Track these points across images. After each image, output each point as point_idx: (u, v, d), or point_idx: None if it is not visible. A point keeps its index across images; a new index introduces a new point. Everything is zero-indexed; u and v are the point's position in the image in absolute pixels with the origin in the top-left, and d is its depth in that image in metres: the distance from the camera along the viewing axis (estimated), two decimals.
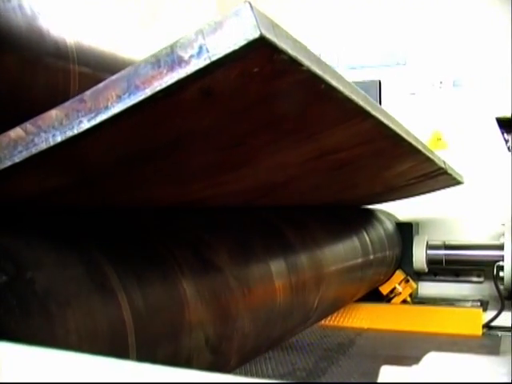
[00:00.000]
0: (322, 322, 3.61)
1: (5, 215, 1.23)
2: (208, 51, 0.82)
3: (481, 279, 4.36)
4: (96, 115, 0.89)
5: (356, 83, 1.19)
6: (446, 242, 4.19)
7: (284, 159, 1.47)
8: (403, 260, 4.20)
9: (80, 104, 0.91)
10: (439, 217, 4.45)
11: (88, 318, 1.18)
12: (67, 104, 0.93)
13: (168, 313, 1.42)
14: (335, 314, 3.91)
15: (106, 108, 0.89)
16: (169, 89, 0.85)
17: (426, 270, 4.21)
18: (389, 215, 4.21)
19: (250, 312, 1.80)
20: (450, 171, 2.49)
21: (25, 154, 0.94)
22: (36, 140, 0.94)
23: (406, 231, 4.25)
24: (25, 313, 1.05)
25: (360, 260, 3.12)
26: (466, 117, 4.39)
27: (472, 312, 3.92)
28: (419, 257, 4.17)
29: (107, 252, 1.33)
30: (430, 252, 4.19)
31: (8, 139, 0.96)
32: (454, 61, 4.51)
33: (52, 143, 0.92)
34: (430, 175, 2.45)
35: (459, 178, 2.89)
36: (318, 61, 0.96)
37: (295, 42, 0.88)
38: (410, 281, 4.16)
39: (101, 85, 0.90)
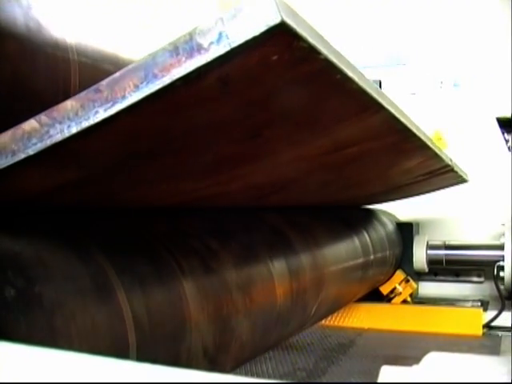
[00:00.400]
0: (323, 321, 3.61)
1: (12, 217, 1.23)
2: (228, 38, 0.81)
3: (481, 279, 4.36)
4: (113, 105, 0.88)
5: None
6: (447, 242, 4.19)
7: (298, 153, 1.46)
8: (403, 260, 4.19)
9: (96, 94, 0.90)
10: (439, 217, 4.45)
11: (89, 319, 1.18)
12: (82, 94, 0.92)
13: (168, 316, 1.42)
14: (335, 314, 3.90)
15: (123, 97, 0.87)
16: (187, 77, 0.84)
17: (427, 270, 4.20)
18: (389, 215, 4.21)
19: (249, 319, 1.80)
20: (456, 168, 2.49)
21: (39, 146, 0.93)
22: (51, 131, 0.92)
23: (406, 231, 4.24)
24: (31, 328, 1.05)
25: (360, 260, 3.12)
26: (466, 117, 4.39)
27: (472, 312, 3.92)
28: (419, 257, 4.16)
29: (110, 254, 1.33)
30: (430, 252, 4.18)
31: (22, 131, 0.95)
32: (455, 61, 4.51)
33: (67, 134, 0.91)
34: (437, 172, 2.45)
35: (465, 176, 2.89)
36: (334, 50, 0.95)
37: (312, 29, 0.87)
38: (411, 281, 4.16)
39: (117, 74, 0.89)
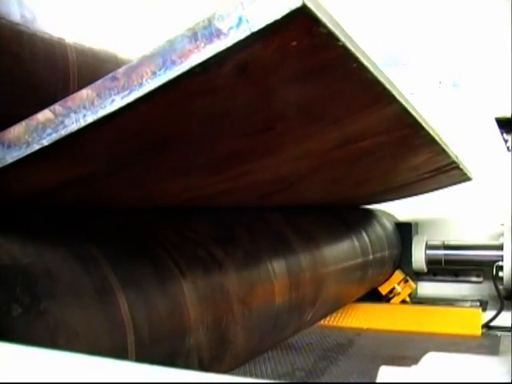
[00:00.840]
0: (322, 321, 3.60)
1: (18, 215, 1.22)
2: (248, 22, 0.80)
3: (480, 279, 4.35)
4: (130, 92, 0.87)
5: None
6: (446, 242, 4.19)
7: (309, 147, 1.45)
8: (402, 260, 4.19)
9: (112, 82, 0.89)
10: (438, 217, 4.45)
11: (89, 321, 1.18)
12: (98, 83, 0.90)
13: (167, 316, 1.42)
14: (334, 314, 3.89)
15: (141, 85, 0.86)
16: (206, 63, 0.83)
17: (426, 270, 4.20)
18: (388, 215, 4.21)
19: (247, 327, 1.81)
20: (461, 166, 2.48)
21: (54, 137, 0.92)
22: (66, 121, 0.91)
23: (405, 231, 4.24)
24: (29, 326, 1.05)
25: (359, 260, 3.12)
26: (465, 117, 4.39)
27: (471, 312, 3.93)
28: (418, 257, 4.16)
29: (114, 261, 1.33)
30: (429, 252, 4.18)
31: (36, 122, 0.94)
32: (454, 61, 4.52)
33: (83, 124, 0.90)
34: (443, 169, 2.44)
35: (469, 174, 2.88)
36: (351, 38, 0.94)
37: (331, 16, 0.86)
38: (409, 281, 4.15)
39: (134, 62, 0.87)
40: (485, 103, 4.40)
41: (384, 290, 4.12)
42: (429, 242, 4.21)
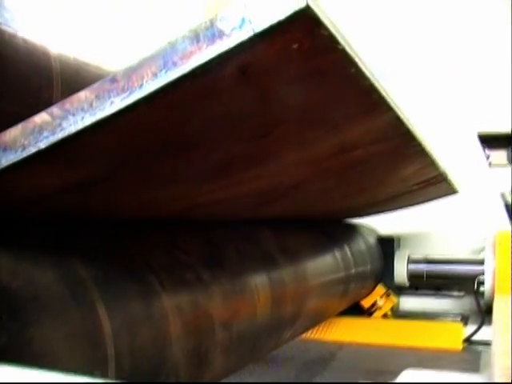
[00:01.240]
0: (304, 335, 3.59)
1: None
2: (251, 22, 0.80)
3: (461, 294, 4.36)
4: (129, 94, 0.86)
5: None
6: (427, 257, 4.20)
7: (304, 155, 1.45)
8: (384, 274, 4.19)
9: (112, 84, 0.87)
10: (420, 231, 4.46)
11: (74, 350, 1.17)
12: (97, 85, 0.89)
13: (149, 342, 1.41)
14: (316, 328, 3.88)
15: (141, 86, 0.85)
16: (208, 64, 0.82)
17: (408, 285, 4.21)
18: (370, 230, 4.21)
19: (227, 347, 1.79)
20: (449, 178, 2.49)
21: (51, 140, 0.90)
22: (64, 124, 0.90)
23: (387, 245, 4.25)
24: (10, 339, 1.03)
25: (342, 275, 3.12)
26: (448, 132, 4.41)
27: (453, 326, 3.94)
28: (400, 271, 4.17)
29: (99, 279, 1.31)
30: (411, 266, 4.19)
31: (33, 125, 0.92)
32: (439, 77, 4.55)
33: (81, 126, 0.88)
34: (432, 181, 2.45)
35: (456, 187, 2.89)
36: (350, 43, 0.94)
37: (331, 19, 0.86)
38: (391, 295, 4.16)
39: (134, 63, 0.87)
40: (468, 119, 4.43)
41: (366, 303, 4.13)
42: (411, 257, 4.22)
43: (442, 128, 4.38)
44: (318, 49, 0.88)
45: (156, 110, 0.91)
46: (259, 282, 2.04)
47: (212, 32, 0.82)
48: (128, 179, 1.21)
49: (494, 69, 4.74)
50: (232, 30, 0.81)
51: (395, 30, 4.72)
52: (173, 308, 1.51)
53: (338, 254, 3.12)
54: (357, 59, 0.97)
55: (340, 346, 3.83)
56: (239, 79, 0.89)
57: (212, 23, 0.83)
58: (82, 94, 0.90)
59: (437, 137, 4.15)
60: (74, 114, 0.89)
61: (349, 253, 3.32)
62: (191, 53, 0.83)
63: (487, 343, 3.60)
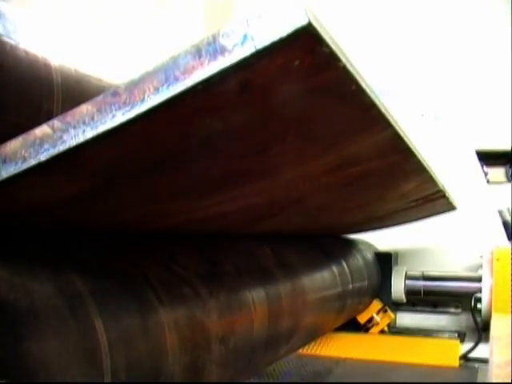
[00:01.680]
0: (300, 350, 3.58)
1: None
2: (253, 39, 0.80)
3: (458, 310, 4.36)
4: (131, 108, 0.86)
5: None
6: (425, 273, 4.20)
7: (302, 171, 1.45)
8: (382, 290, 4.18)
9: (114, 97, 0.88)
10: (418, 247, 4.46)
11: (69, 365, 1.16)
12: (99, 98, 0.89)
13: (145, 358, 1.40)
14: (313, 343, 3.88)
15: (143, 100, 0.85)
16: (210, 79, 0.82)
17: (405, 301, 4.20)
18: (368, 245, 4.21)
19: (222, 365, 1.79)
20: (447, 195, 2.50)
21: (52, 152, 0.90)
22: (65, 137, 0.89)
23: (384, 261, 4.24)
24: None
25: (339, 290, 3.11)
26: (446, 149, 4.42)
27: (449, 343, 3.94)
28: (398, 287, 4.16)
29: (96, 293, 1.31)
30: (408, 282, 4.18)
31: (33, 137, 0.92)
32: (436, 94, 4.56)
33: (82, 139, 0.88)
34: (430, 198, 2.45)
35: (454, 204, 2.90)
36: (350, 60, 0.95)
37: (332, 36, 0.87)
38: (388, 311, 4.15)
39: (136, 77, 0.87)
40: (465, 136, 4.44)
41: (362, 318, 4.11)
42: (408, 273, 4.22)
43: (440, 144, 4.39)
44: (319, 66, 0.88)
45: (157, 125, 0.91)
46: (256, 296, 2.04)
47: (214, 48, 0.82)
48: (127, 193, 1.21)
49: (494, 86, 4.76)
50: (234, 46, 0.81)
51: (393, 43, 4.74)
52: (170, 322, 1.50)
53: (335, 269, 3.12)
54: (357, 76, 0.97)
55: (336, 361, 3.83)
56: (240, 95, 0.89)
57: (214, 39, 0.83)
58: (84, 107, 0.90)
59: (435, 155, 4.19)
60: (75, 127, 0.89)
61: (346, 268, 3.32)
62: (193, 68, 0.83)
63: (484, 360, 3.60)
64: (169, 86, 0.84)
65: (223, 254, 2.04)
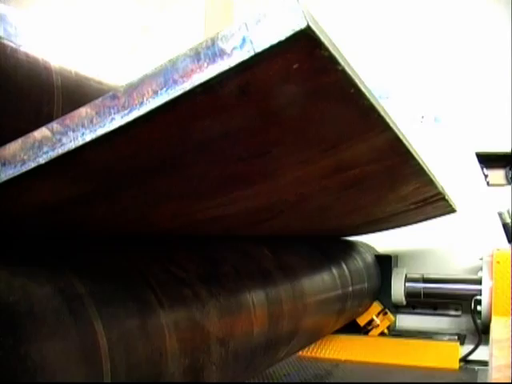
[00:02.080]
0: (300, 352, 3.59)
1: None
2: (252, 43, 0.80)
3: (458, 313, 4.36)
4: (130, 111, 0.86)
5: None
6: (425, 276, 4.20)
7: (302, 174, 1.45)
8: (382, 292, 4.18)
9: (113, 101, 0.88)
10: (418, 250, 4.46)
11: (68, 367, 1.16)
12: (98, 101, 0.89)
13: (144, 360, 1.40)
14: (313, 345, 3.88)
15: (141, 104, 0.85)
16: (208, 83, 0.83)
17: (405, 303, 4.20)
18: (368, 247, 4.21)
19: (221, 368, 1.79)
20: (447, 197, 2.50)
21: (51, 155, 0.90)
22: (64, 140, 0.89)
23: (384, 263, 4.24)
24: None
25: (339, 292, 3.11)
26: (446, 151, 4.42)
27: (449, 345, 3.93)
28: (398, 289, 4.16)
29: (96, 295, 1.31)
30: (408, 285, 4.19)
31: (32, 140, 0.92)
32: (436, 96, 4.56)
33: (81, 142, 0.88)
34: (429, 200, 2.45)
35: (454, 206, 2.90)
36: (349, 63, 0.95)
37: (331, 40, 0.87)
38: (388, 313, 4.15)
39: (135, 80, 0.87)
40: (465, 138, 4.44)
41: (362, 321, 4.11)
42: (408, 275, 4.22)
43: (439, 146, 4.39)
44: (318, 69, 0.89)
45: (156, 128, 0.92)
46: (256, 298, 2.04)
47: (213, 51, 0.83)
48: (127, 195, 1.21)
49: (494, 88, 4.77)
50: (233, 49, 0.81)
51: (392, 44, 4.74)
52: (169, 324, 1.50)
53: (335, 271, 3.12)
54: (356, 79, 0.97)
55: (336, 364, 3.83)
56: (239, 98, 0.89)
57: (213, 42, 0.83)
58: (83, 110, 0.90)
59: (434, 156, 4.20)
60: (74, 130, 0.90)
61: (346, 270, 3.32)
62: (192, 71, 0.83)
63: (484, 363, 3.60)
64: (168, 89, 0.84)
65: (223, 256, 2.04)
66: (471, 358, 3.85)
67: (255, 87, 0.88)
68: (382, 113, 1.16)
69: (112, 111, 0.88)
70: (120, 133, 0.88)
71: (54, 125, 0.91)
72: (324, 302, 2.88)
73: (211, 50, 0.83)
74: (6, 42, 1.69)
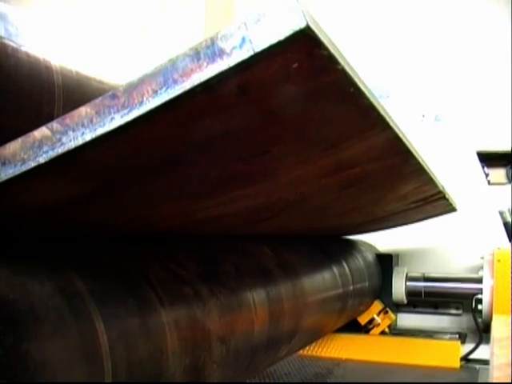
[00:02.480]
0: (301, 351, 3.59)
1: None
2: (251, 42, 0.80)
3: (459, 312, 4.36)
4: (130, 111, 0.86)
5: None
6: (426, 274, 4.20)
7: (302, 173, 1.45)
8: (382, 291, 4.19)
9: (112, 100, 0.88)
10: (419, 249, 4.46)
11: (69, 364, 1.16)
12: (98, 101, 0.89)
13: (146, 358, 1.40)
14: (314, 344, 3.88)
15: (141, 103, 0.85)
16: (208, 82, 0.83)
17: (406, 302, 4.21)
18: (369, 246, 4.21)
19: (222, 366, 1.79)
20: (447, 196, 2.50)
21: (51, 154, 0.90)
22: (64, 139, 0.90)
23: (385, 262, 4.24)
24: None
25: (339, 291, 3.11)
26: (447, 150, 4.42)
27: (450, 344, 3.94)
28: (399, 288, 4.17)
29: (96, 293, 1.31)
30: (409, 284, 4.19)
31: (32, 139, 0.92)
32: (437, 95, 4.56)
33: (81, 142, 0.89)
34: (430, 199, 2.45)
35: (454, 205, 2.90)
36: (349, 62, 0.95)
37: (331, 39, 0.87)
38: (389, 312, 4.15)
39: (135, 80, 0.87)
40: (466, 137, 4.44)
41: (363, 320, 4.11)
42: (409, 274, 4.22)
43: (440, 145, 4.39)
44: (318, 68, 0.89)
45: (156, 127, 0.92)
46: (257, 297, 2.04)
47: (213, 50, 0.83)
48: (127, 195, 1.21)
49: (494, 88, 4.77)
50: (232, 49, 0.82)
51: (393, 43, 4.74)
52: (170, 322, 1.50)
53: (336, 270, 3.12)
54: (356, 78, 0.97)
55: (337, 362, 3.83)
56: (239, 97, 0.89)
57: (213, 42, 0.83)
58: (83, 110, 0.90)
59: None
60: (74, 130, 0.90)
61: (347, 269, 3.32)
62: (192, 71, 0.84)
63: (485, 362, 3.60)
64: (167, 88, 0.85)
65: (223, 254, 2.04)
66: (472, 356, 3.86)
67: (255, 87, 0.88)
68: (382, 112, 1.16)
69: (112, 111, 0.88)
70: (120, 132, 0.88)
71: (54, 124, 0.92)
72: (325, 300, 2.88)
73: (211, 50, 0.83)
74: (6, 41, 1.69)
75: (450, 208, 2.99)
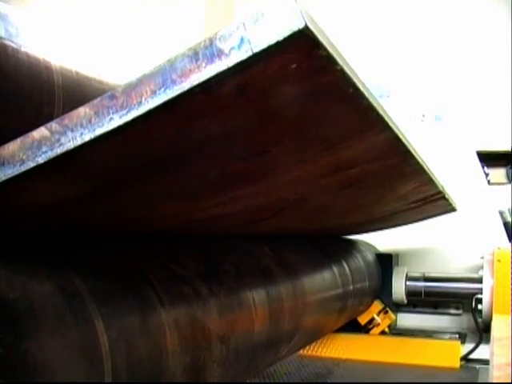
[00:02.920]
0: (301, 351, 3.59)
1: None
2: (250, 43, 0.80)
3: (459, 312, 4.36)
4: (128, 111, 0.86)
5: None
6: (426, 274, 4.20)
7: (301, 173, 1.45)
8: (383, 291, 4.19)
9: (111, 101, 0.88)
10: (419, 248, 4.46)
11: (69, 363, 1.16)
12: (97, 101, 0.89)
13: (146, 357, 1.40)
14: (314, 344, 3.88)
15: (140, 104, 0.85)
16: (207, 83, 0.83)
17: (406, 302, 4.21)
18: (369, 246, 4.21)
19: (222, 365, 1.79)
20: (447, 196, 2.50)
21: (50, 155, 0.90)
22: (62, 139, 0.90)
23: (385, 262, 4.24)
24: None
25: (339, 291, 3.11)
26: (447, 150, 4.42)
27: (450, 344, 3.95)
28: (399, 288, 4.17)
29: (96, 292, 1.31)
30: (409, 283, 4.19)
31: (31, 140, 0.92)
32: (437, 95, 4.56)
33: (80, 142, 0.89)
34: (429, 199, 2.45)
35: (454, 205, 2.90)
36: (348, 63, 0.95)
37: (329, 40, 0.87)
38: (389, 312, 4.15)
39: (134, 80, 0.87)
40: (466, 137, 4.43)
41: (363, 319, 4.11)
42: (409, 274, 4.22)
43: (440, 144, 4.39)
44: (317, 69, 0.89)
45: (154, 128, 0.92)
46: (257, 297, 2.04)
47: (211, 51, 0.83)
48: (125, 195, 1.21)
49: (495, 87, 4.77)
50: (231, 49, 0.82)
51: (393, 43, 4.74)
52: (170, 322, 1.50)
53: (336, 270, 3.11)
54: (355, 79, 0.97)
55: (337, 362, 3.83)
56: (237, 98, 0.89)
57: (211, 42, 0.83)
58: (82, 110, 0.90)
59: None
60: (72, 130, 0.90)
61: (347, 269, 3.32)
62: (190, 71, 0.84)
63: (485, 361, 3.60)
64: (166, 89, 0.85)
65: (223, 254, 2.04)
66: (472, 356, 3.86)
67: (253, 87, 0.88)
68: (381, 112, 1.16)
69: (110, 111, 0.88)
70: (118, 133, 0.88)
71: (53, 125, 0.92)
72: (325, 300, 2.88)
73: (209, 50, 0.83)
74: (7, 42, 1.69)
75: (449, 208, 2.98)
